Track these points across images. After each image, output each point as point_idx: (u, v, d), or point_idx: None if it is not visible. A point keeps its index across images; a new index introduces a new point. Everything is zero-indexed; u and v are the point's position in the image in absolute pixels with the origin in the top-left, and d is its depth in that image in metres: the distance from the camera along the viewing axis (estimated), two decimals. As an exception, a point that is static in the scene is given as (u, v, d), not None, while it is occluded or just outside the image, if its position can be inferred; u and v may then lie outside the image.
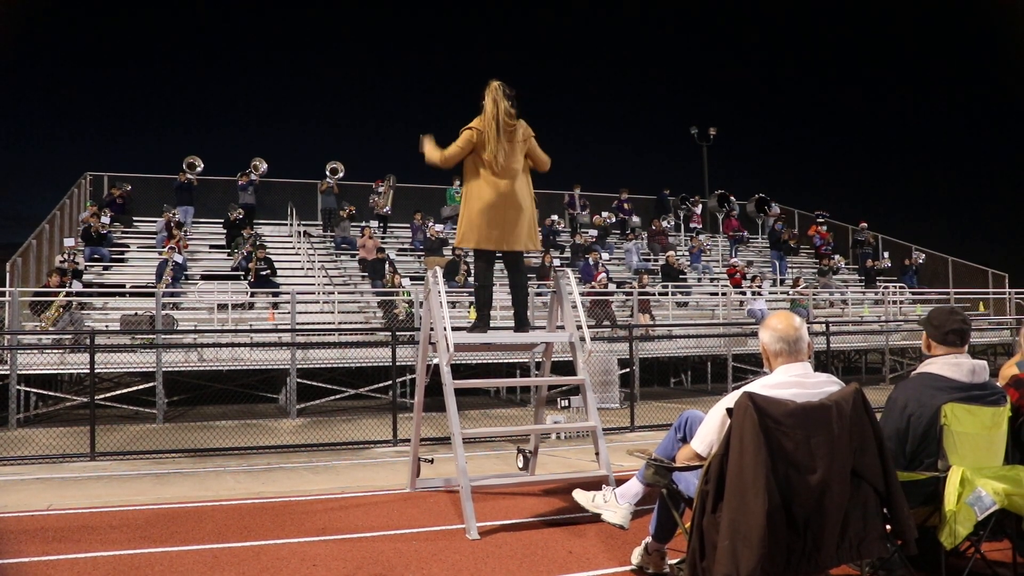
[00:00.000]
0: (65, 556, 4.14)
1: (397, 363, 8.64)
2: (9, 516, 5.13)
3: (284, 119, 53.50)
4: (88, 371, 7.94)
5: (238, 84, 55.52)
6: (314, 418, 10.31)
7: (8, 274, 11.72)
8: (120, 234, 16.12)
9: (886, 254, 20.13)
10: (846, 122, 53.92)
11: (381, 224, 17.74)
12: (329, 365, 11.26)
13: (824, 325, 11.16)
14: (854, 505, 2.77)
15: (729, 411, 2.77)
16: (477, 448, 7.82)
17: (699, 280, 17.91)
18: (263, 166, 17.32)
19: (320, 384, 11.00)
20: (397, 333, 8.85)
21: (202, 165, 17.01)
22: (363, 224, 16.66)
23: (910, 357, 15.29)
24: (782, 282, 18.00)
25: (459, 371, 11.14)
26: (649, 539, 3.61)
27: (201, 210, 17.44)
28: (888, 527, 2.92)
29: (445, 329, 4.93)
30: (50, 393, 10.99)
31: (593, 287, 14.26)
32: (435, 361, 5.14)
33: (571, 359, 5.45)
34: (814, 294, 16.62)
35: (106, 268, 14.58)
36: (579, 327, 5.36)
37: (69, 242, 14.20)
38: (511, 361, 12.22)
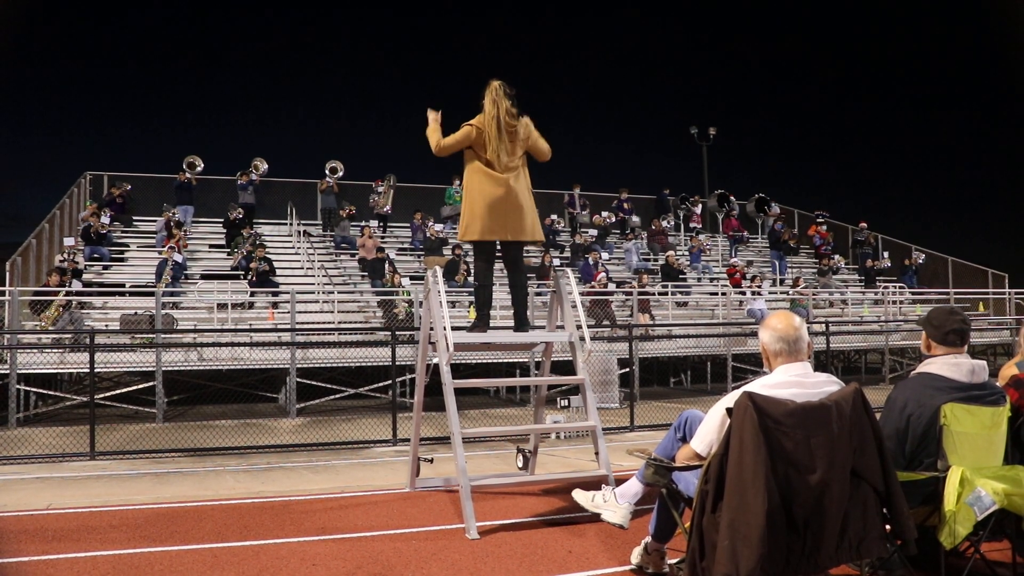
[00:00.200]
0: (65, 555, 4.14)
1: (397, 363, 8.64)
2: (9, 515, 5.12)
3: (284, 119, 53.55)
4: (88, 370, 7.94)
5: (238, 84, 55.58)
6: (314, 418, 10.31)
7: (8, 273, 11.72)
8: (120, 234, 16.12)
9: (886, 254, 20.13)
10: (846, 122, 53.99)
11: (381, 224, 17.73)
12: (329, 365, 11.26)
13: (824, 325, 11.16)
14: (854, 505, 2.77)
15: (729, 411, 2.77)
16: (477, 448, 7.82)
17: (699, 280, 17.91)
18: (264, 166, 17.31)
19: (320, 384, 11.00)
20: (397, 333, 8.85)
21: (202, 165, 17.01)
22: (363, 224, 16.64)
23: (910, 357, 15.28)
24: (782, 282, 17.99)
25: (459, 371, 11.14)
26: (649, 539, 3.61)
27: (201, 210, 17.43)
28: (888, 527, 2.93)
29: (445, 329, 4.92)
30: (50, 392, 10.99)
31: (593, 287, 14.25)
32: (435, 360, 5.14)
33: (571, 359, 5.45)
34: (814, 294, 16.63)
35: (106, 267, 14.57)
36: (579, 327, 5.36)
37: (69, 241, 14.19)
38: (511, 361, 12.22)
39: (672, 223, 20.75)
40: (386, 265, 14.84)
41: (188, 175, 16.74)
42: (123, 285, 13.71)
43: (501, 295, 6.22)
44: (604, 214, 19.36)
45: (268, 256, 14.37)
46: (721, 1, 53.28)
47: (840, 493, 2.72)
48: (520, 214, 5.23)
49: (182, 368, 10.72)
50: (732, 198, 21.43)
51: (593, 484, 4.23)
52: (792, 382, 2.90)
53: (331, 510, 5.16)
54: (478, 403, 11.94)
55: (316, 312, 13.28)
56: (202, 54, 52.24)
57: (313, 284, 14.73)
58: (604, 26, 53.92)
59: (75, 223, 15.79)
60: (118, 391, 10.56)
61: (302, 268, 15.84)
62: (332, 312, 13.20)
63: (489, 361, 11.74)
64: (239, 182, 16.95)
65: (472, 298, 9.43)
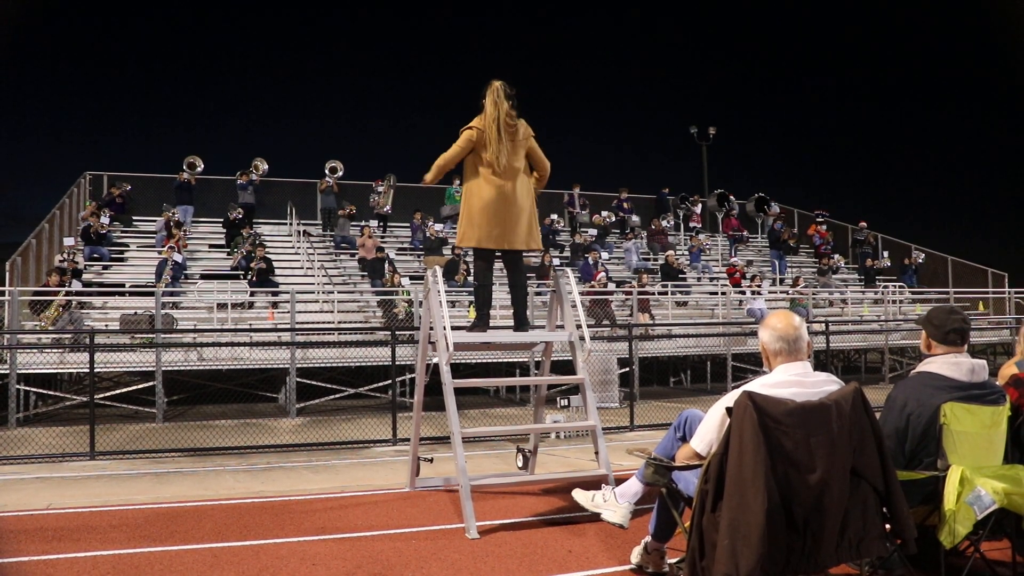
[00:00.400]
0: (65, 555, 4.14)
1: (397, 362, 8.64)
2: (9, 515, 5.12)
3: (284, 119, 53.52)
4: (88, 370, 7.94)
5: (238, 84, 55.54)
6: (314, 417, 10.31)
7: (8, 273, 11.72)
8: (120, 233, 16.12)
9: (886, 253, 20.12)
10: (846, 122, 53.99)
11: (381, 223, 17.74)
12: (329, 364, 11.26)
13: (824, 324, 11.16)
14: (853, 504, 2.77)
15: (729, 410, 2.77)
16: (477, 447, 7.82)
17: (698, 279, 17.90)
18: (264, 166, 17.31)
19: (320, 383, 11.00)
20: (397, 332, 8.85)
21: (202, 165, 17.00)
22: (363, 223, 16.65)
23: (910, 356, 15.28)
24: (782, 281, 17.99)
25: (459, 370, 11.14)
26: (649, 538, 3.61)
27: (201, 210, 17.42)
28: (887, 526, 2.93)
29: (445, 328, 4.92)
30: (50, 392, 10.99)
31: (593, 286, 14.25)
32: (435, 360, 5.14)
33: (571, 358, 5.45)
34: (814, 293, 16.62)
35: (106, 267, 14.57)
36: (578, 326, 5.36)
37: (69, 241, 14.19)
38: (511, 360, 12.21)
39: (672, 223, 20.75)
40: (386, 265, 14.84)
41: (188, 175, 16.74)
42: (123, 285, 13.71)
43: (501, 295, 6.22)
44: (604, 214, 19.36)
45: (268, 256, 14.37)
46: (721, 1, 53.31)
47: (840, 492, 2.72)
48: (517, 221, 5.22)
49: (182, 368, 10.72)
50: (732, 198, 21.42)
51: (593, 484, 4.23)
52: (792, 381, 2.90)
53: (331, 510, 5.16)
54: (478, 403, 11.94)
55: (316, 312, 13.28)
56: (202, 54, 52.30)
57: (313, 284, 14.73)
58: (604, 26, 53.95)
59: (75, 223, 15.79)
60: (118, 391, 10.56)
61: (302, 268, 15.84)
62: (332, 312, 13.20)
63: (489, 361, 11.74)
64: (239, 182, 16.95)
65: (472, 298, 9.43)
